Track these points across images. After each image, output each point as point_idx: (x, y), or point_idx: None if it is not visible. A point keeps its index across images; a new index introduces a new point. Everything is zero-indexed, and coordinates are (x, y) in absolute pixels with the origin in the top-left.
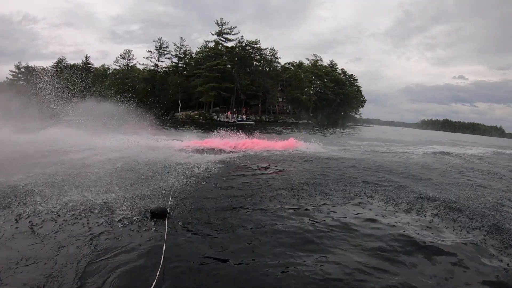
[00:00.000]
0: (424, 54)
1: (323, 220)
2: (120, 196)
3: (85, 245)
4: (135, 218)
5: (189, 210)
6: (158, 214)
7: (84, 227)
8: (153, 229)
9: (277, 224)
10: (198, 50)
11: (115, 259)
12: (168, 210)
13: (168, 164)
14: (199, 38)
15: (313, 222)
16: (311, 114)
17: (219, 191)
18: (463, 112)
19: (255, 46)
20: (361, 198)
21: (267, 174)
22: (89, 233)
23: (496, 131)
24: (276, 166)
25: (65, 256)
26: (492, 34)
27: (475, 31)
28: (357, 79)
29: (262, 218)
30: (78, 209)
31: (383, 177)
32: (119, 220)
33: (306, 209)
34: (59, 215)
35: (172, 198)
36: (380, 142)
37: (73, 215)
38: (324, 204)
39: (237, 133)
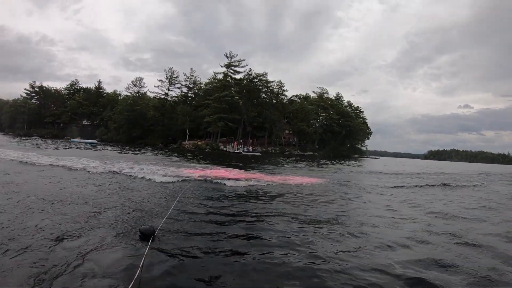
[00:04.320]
0: (430, 84)
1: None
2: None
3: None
4: (123, 235)
5: (179, 234)
6: (145, 234)
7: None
8: (135, 248)
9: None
10: (207, 81)
11: (85, 273)
12: (156, 232)
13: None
14: (209, 69)
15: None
16: (317, 146)
17: (222, 216)
18: (470, 141)
19: (263, 78)
20: None
21: (279, 204)
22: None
23: (504, 159)
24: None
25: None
26: (496, 61)
27: (479, 59)
28: (363, 111)
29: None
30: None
31: None
32: (104, 236)
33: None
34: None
35: (166, 219)
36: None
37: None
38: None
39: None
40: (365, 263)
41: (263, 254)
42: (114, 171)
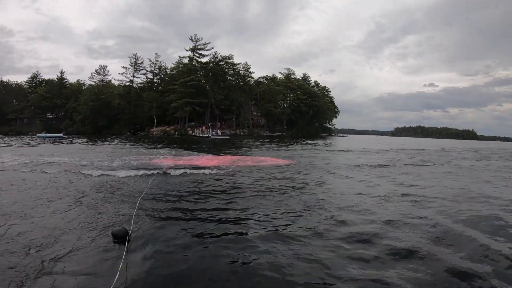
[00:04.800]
0: (396, 64)
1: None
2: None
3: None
4: (94, 239)
5: (154, 232)
6: (118, 236)
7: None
8: (111, 253)
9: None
10: (173, 65)
11: (63, 283)
12: (129, 232)
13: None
14: (174, 54)
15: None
16: (285, 127)
17: (194, 210)
18: (436, 118)
19: (229, 61)
20: None
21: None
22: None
23: (468, 134)
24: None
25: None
26: (461, 42)
27: (445, 40)
28: (330, 91)
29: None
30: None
31: None
32: (76, 239)
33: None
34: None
35: (135, 217)
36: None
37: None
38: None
39: None
40: (345, 253)
41: (246, 250)
42: (79, 168)
